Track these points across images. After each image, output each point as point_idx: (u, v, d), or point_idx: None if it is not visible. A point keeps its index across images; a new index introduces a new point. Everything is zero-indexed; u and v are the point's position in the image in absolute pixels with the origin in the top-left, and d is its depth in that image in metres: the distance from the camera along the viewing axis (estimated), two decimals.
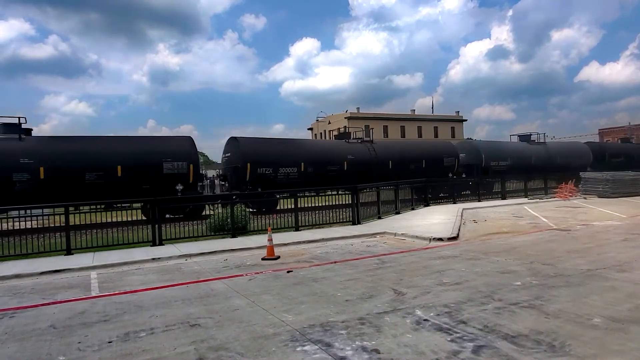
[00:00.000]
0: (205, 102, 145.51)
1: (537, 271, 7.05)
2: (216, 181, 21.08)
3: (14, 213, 11.94)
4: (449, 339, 4.27)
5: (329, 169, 21.49)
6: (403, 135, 61.11)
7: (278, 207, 15.37)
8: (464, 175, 25.08)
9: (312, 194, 15.90)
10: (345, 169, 21.86)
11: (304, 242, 11.05)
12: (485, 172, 24.77)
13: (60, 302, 6.51)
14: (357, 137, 25.64)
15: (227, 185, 20.17)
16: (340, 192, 16.14)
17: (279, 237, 10.97)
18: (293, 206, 13.39)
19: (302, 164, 20.45)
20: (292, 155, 20.77)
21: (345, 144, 23.99)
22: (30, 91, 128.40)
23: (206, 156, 64.54)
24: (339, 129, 63.70)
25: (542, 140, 32.37)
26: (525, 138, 32.30)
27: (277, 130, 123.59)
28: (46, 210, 11.51)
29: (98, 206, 14.95)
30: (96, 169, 16.24)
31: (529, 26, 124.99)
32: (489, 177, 23.59)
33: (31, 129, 17.38)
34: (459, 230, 11.86)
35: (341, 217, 14.37)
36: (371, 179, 19.71)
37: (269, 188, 18.83)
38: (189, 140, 18.84)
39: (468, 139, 34.72)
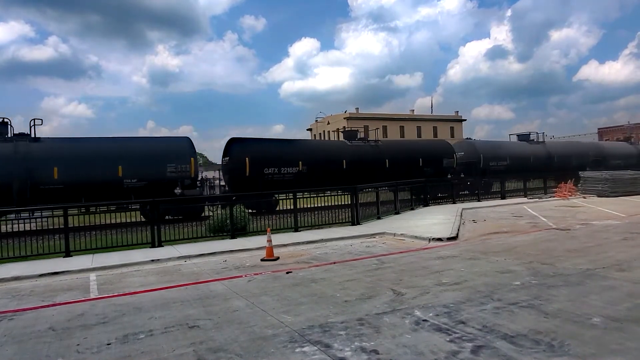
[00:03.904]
0: (205, 103, 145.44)
1: (537, 271, 7.05)
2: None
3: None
4: (448, 339, 4.27)
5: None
6: (402, 136, 61.14)
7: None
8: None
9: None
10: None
11: (303, 242, 11.05)
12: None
13: (59, 304, 6.50)
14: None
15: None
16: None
17: (278, 238, 10.96)
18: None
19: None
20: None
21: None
22: (29, 93, 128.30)
23: (205, 157, 64.53)
24: (338, 129, 63.80)
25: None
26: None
27: (277, 131, 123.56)
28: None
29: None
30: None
31: (528, 26, 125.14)
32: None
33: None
34: (458, 230, 11.86)
35: (340, 217, 14.38)
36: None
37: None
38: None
39: (467, 138, 35.25)
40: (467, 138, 35.52)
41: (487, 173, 25.87)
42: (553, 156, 30.70)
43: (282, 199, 14.53)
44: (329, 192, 15.61)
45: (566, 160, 31.03)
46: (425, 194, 20.22)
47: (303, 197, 14.13)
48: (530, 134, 32.70)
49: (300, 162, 20.90)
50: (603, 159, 33.13)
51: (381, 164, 23.54)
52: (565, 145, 34.96)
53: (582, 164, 31.13)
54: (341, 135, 25.20)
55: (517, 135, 33.46)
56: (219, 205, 14.37)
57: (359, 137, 25.27)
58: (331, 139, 57.81)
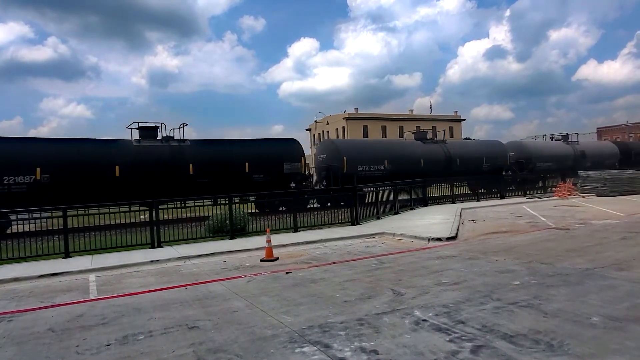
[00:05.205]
0: (204, 103, 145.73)
1: (536, 270, 7.05)
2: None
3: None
4: (447, 339, 4.27)
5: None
6: (401, 136, 61.06)
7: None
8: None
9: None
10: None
11: (302, 243, 11.04)
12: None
13: (58, 305, 6.50)
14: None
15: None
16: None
17: (277, 239, 10.96)
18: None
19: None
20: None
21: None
22: (29, 94, 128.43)
23: None
24: (336, 129, 63.64)
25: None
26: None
27: (276, 131, 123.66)
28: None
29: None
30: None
31: (526, 26, 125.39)
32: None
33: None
34: (457, 230, 11.86)
35: (340, 217, 14.38)
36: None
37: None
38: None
39: (466, 138, 33.83)
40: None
41: (357, 180, 21.17)
42: (454, 159, 26.53)
43: (13, 220, 11.30)
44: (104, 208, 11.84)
45: (474, 163, 27.19)
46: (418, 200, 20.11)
47: (52, 217, 11.12)
48: (427, 132, 28.78)
49: (38, 169, 15.17)
50: (527, 161, 29.54)
51: (183, 171, 18.25)
52: (475, 145, 30.08)
53: (497, 166, 28.14)
54: (136, 133, 18.72)
55: (413, 133, 29.56)
56: None
57: (162, 135, 19.09)
58: (331, 138, 57.89)
